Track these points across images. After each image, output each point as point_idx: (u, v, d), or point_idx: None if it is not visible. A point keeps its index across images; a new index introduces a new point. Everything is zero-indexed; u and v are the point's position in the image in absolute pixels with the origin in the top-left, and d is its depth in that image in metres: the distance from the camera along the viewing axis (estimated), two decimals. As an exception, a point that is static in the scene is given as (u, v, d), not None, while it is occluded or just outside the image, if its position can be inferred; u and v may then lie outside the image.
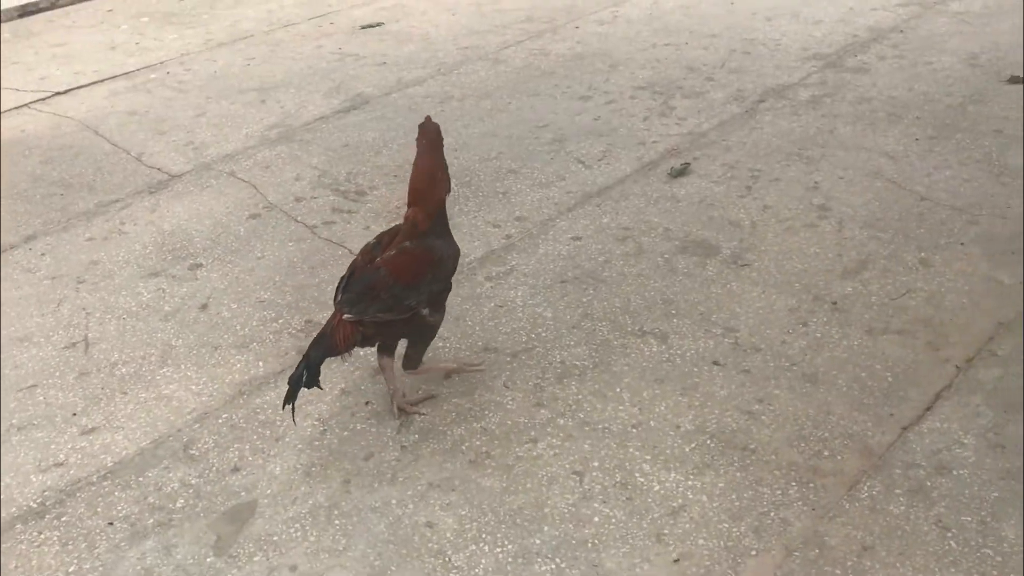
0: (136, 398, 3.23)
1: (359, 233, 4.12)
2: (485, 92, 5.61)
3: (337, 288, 2.93)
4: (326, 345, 2.84)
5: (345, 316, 2.83)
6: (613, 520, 2.64)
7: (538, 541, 2.59)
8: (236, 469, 2.91)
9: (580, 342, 3.36)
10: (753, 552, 2.52)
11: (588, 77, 5.70)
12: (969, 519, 2.57)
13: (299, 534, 2.67)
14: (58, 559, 2.63)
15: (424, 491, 2.78)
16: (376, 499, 2.76)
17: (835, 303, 3.48)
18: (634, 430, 2.95)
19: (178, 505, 2.79)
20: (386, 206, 4.34)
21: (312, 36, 6.82)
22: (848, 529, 2.57)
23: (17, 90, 6.08)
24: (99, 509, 2.79)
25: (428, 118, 3.00)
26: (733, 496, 2.70)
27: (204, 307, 3.70)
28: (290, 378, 2.82)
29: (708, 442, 2.89)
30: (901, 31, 6.09)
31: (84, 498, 2.83)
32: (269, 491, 2.82)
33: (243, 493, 2.82)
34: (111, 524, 2.74)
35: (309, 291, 3.75)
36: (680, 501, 2.69)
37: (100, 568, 2.60)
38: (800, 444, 2.86)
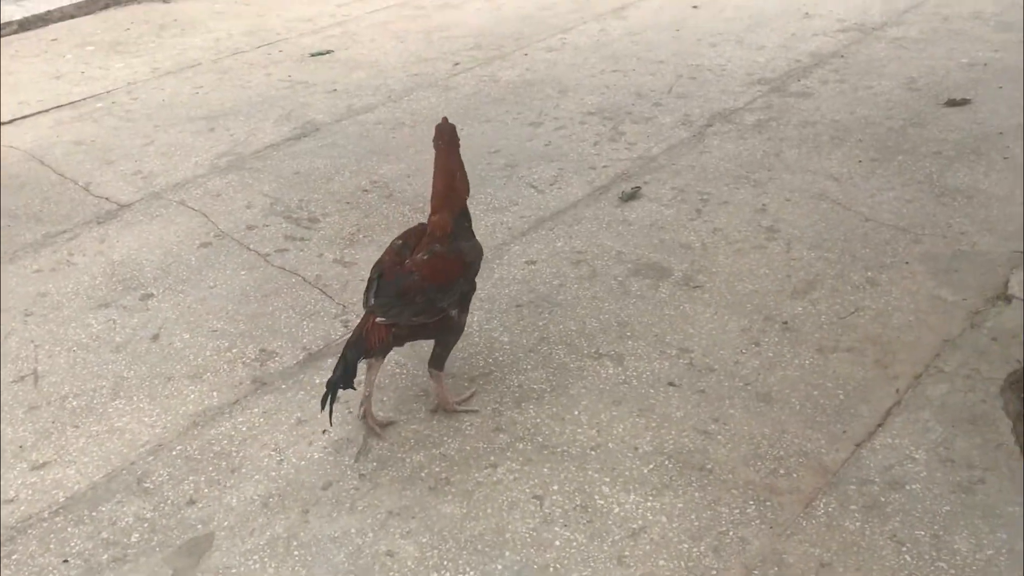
0: (88, 431, 3.18)
1: (312, 260, 4.10)
2: (436, 118, 5.53)
3: (367, 290, 2.97)
4: (362, 348, 2.89)
5: (379, 320, 2.86)
6: (574, 543, 2.65)
7: (500, 567, 2.59)
8: (192, 502, 2.87)
9: (537, 366, 3.37)
10: (713, 572, 2.54)
11: (538, 103, 5.75)
12: (922, 533, 2.63)
13: (258, 566, 2.63)
14: (9, 599, 2.57)
15: (384, 519, 2.76)
16: (335, 529, 2.74)
17: (786, 323, 3.54)
18: (593, 452, 2.97)
19: (133, 540, 2.74)
20: (339, 232, 4.33)
21: (261, 64, 6.79)
22: (806, 546, 2.61)
23: (-41, 120, 5.97)
24: (52, 546, 2.73)
25: (444, 119, 3.07)
26: (692, 516, 2.72)
27: (156, 338, 3.65)
28: (328, 381, 2.87)
29: (666, 463, 2.92)
30: (842, 56, 6.24)
31: (36, 535, 2.77)
32: (226, 523, 2.78)
33: (199, 526, 2.78)
34: (65, 561, 2.68)
35: (262, 320, 3.72)
36: (640, 523, 2.71)
37: (53, 607, 2.54)
38: (756, 463, 2.90)
